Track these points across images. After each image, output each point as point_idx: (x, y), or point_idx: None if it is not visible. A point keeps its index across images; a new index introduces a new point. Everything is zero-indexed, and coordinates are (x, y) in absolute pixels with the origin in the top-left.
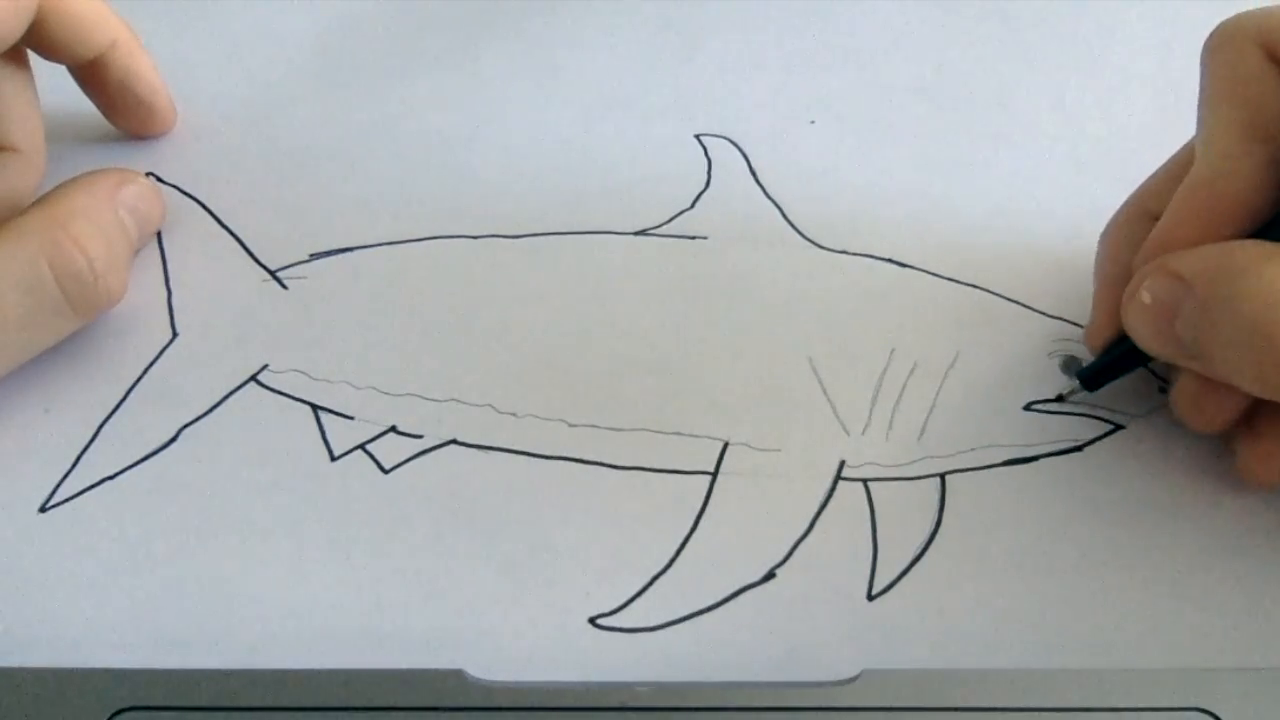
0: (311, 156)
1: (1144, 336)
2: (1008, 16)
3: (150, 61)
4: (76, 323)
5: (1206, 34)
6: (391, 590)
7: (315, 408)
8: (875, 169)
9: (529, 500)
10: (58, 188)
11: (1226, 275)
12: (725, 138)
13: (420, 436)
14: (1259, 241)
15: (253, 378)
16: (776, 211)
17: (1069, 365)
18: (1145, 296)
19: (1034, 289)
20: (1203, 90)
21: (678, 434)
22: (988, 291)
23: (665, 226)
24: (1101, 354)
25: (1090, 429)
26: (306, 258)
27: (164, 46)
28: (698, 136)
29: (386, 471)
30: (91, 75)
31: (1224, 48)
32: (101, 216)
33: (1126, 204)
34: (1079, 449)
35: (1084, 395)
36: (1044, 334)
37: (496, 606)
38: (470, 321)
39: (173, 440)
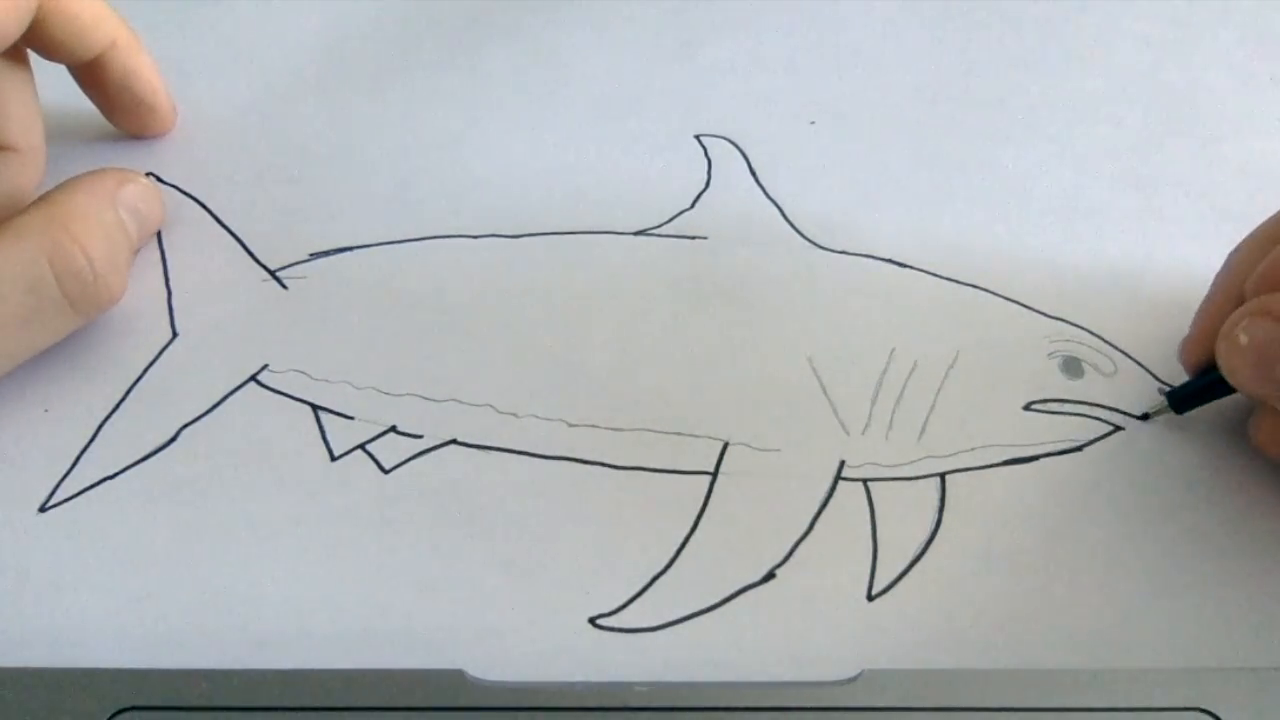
0: (311, 156)
1: (1239, 375)
2: (1008, 16)
3: (150, 61)
4: (77, 322)
5: (1206, 32)
6: (391, 590)
7: (315, 408)
8: (875, 169)
9: (529, 500)
10: (58, 187)
11: None
12: (725, 138)
13: (420, 436)
14: None
15: (253, 378)
16: (776, 211)
17: (1069, 365)
18: (1242, 337)
19: (1034, 289)
20: None
21: (678, 434)
22: (988, 291)
23: (665, 226)
24: (1195, 378)
25: (1090, 429)
26: (306, 258)
27: (164, 46)
28: (698, 136)
29: (386, 471)
30: (91, 75)
31: None
32: (102, 216)
33: (1260, 227)
34: (1079, 449)
35: (1084, 394)
36: (1044, 334)
37: (496, 606)
38: (470, 321)
39: (173, 440)
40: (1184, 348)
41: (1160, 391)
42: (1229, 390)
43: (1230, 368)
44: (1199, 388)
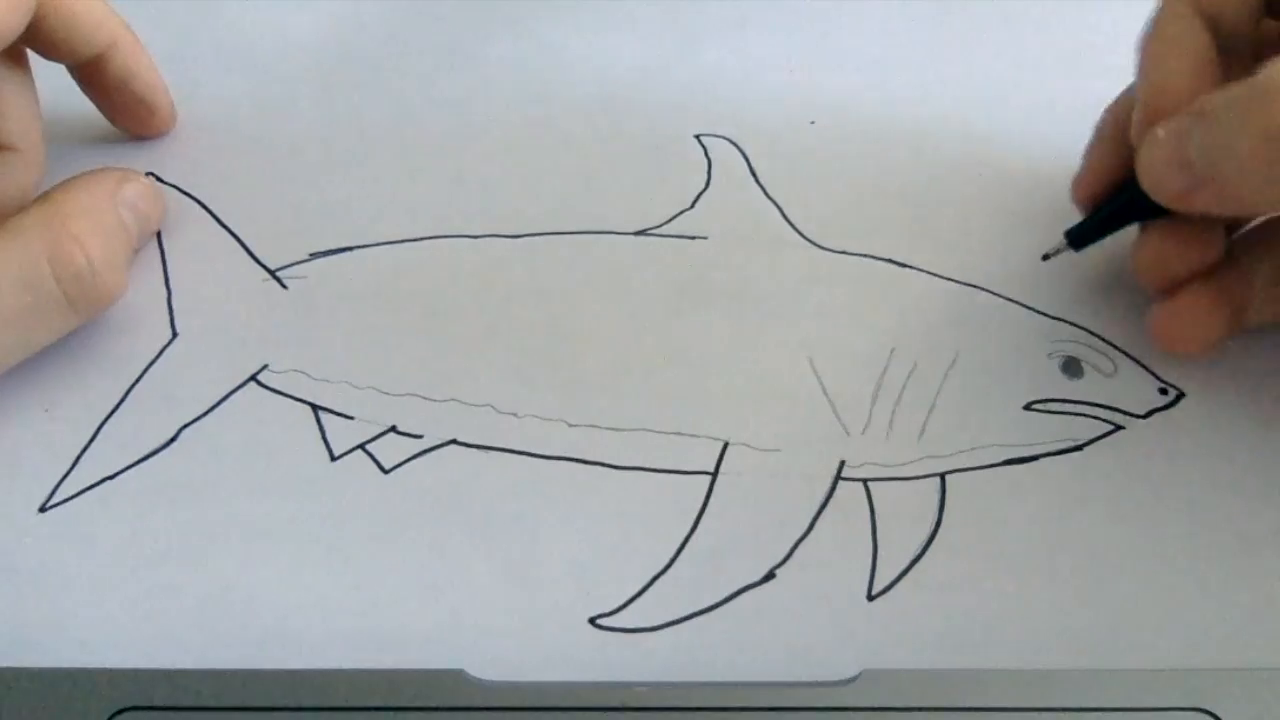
0: (312, 156)
1: (1156, 169)
2: (1008, 17)
3: (150, 61)
4: (76, 321)
5: None
6: (391, 590)
7: (315, 408)
8: (875, 169)
9: (529, 500)
10: (58, 186)
11: (1250, 91)
12: (725, 138)
13: (420, 436)
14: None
15: (253, 378)
16: (776, 211)
17: (1069, 365)
18: (1160, 132)
19: (1034, 289)
20: None
21: (678, 434)
22: (988, 291)
23: (665, 226)
24: (1091, 213)
25: (1090, 429)
26: (306, 258)
27: (164, 46)
28: (698, 136)
29: (386, 471)
30: (91, 75)
31: None
32: (101, 215)
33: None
34: (1078, 449)
35: (1084, 393)
36: (1044, 334)
37: (496, 606)
38: (470, 321)
39: (173, 440)
40: (1076, 184)
41: (1065, 233)
42: (1126, 220)
43: (1148, 163)
44: (1098, 220)
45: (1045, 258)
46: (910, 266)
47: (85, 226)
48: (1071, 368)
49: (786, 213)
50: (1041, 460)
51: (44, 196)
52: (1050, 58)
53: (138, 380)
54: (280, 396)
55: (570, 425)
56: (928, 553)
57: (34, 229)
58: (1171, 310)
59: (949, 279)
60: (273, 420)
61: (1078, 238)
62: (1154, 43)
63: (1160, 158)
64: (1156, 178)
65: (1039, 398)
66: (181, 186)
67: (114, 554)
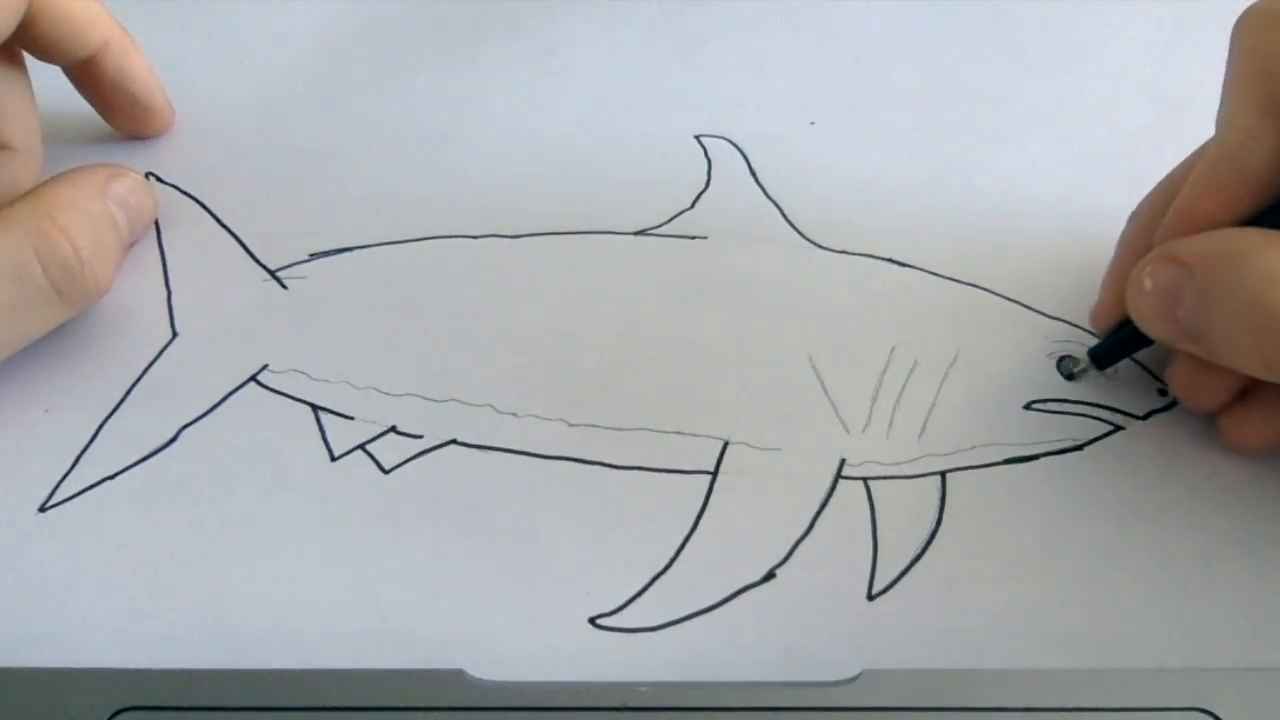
0: (311, 156)
1: (1146, 320)
2: (1007, 17)
3: (144, 61)
4: (66, 312)
5: (1205, 34)
6: (391, 590)
7: (315, 408)
8: (875, 169)
9: (529, 500)
10: (47, 181)
11: (1227, 259)
12: (725, 138)
13: (420, 436)
14: (1259, 229)
15: (253, 378)
16: (776, 211)
17: (1069, 366)
18: (1147, 282)
19: (1034, 289)
20: (1228, 68)
21: (678, 434)
22: (988, 291)
23: (665, 226)
24: (1111, 332)
25: (1090, 429)
26: (306, 258)
27: (164, 46)
28: (698, 137)
29: (386, 471)
30: (86, 75)
31: (1251, 26)
32: (89, 207)
33: (1156, 186)
34: (1079, 448)
35: (1084, 393)
36: (1044, 334)
37: (496, 606)
38: (470, 321)
39: (173, 440)
40: (1094, 312)
41: (1089, 352)
42: (1145, 342)
43: (1137, 312)
44: (1117, 341)
45: (1070, 377)
46: (910, 266)
47: (72, 218)
48: (1071, 368)
49: (786, 213)
50: (1041, 460)
51: (32, 191)
52: (1050, 57)
53: (138, 380)
54: (280, 396)
55: (570, 425)
56: (928, 553)
57: (20, 221)
58: (1236, 420)
59: (949, 279)
60: (273, 420)
61: (1101, 357)
62: (1212, 161)
63: (1148, 310)
64: (1147, 326)
65: (1039, 398)
66: (181, 186)
67: (114, 554)
